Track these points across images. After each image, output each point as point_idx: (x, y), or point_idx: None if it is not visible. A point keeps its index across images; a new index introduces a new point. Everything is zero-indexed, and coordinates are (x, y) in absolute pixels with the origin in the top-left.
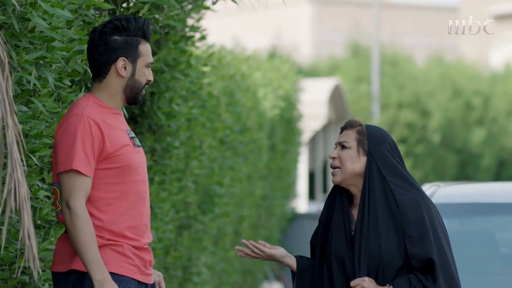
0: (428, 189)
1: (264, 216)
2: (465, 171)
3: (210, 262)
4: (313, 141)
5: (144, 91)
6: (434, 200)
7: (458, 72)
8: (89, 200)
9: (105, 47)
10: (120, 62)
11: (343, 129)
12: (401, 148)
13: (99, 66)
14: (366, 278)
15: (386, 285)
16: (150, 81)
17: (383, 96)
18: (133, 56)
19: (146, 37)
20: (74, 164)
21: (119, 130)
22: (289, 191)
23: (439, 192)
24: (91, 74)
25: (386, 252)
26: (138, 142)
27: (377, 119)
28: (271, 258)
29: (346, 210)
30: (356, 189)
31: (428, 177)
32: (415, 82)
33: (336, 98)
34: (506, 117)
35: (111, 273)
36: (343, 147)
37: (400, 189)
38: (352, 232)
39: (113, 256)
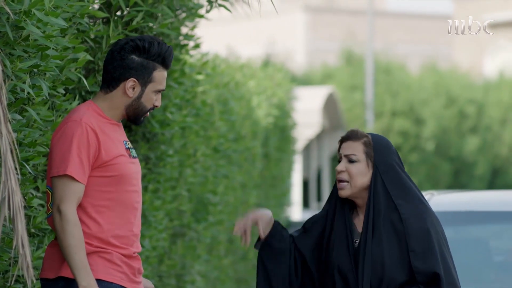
0: None
1: None
2: (459, 179)
3: (204, 270)
4: (307, 149)
5: (148, 114)
6: None
7: (452, 80)
8: (81, 207)
9: (120, 63)
10: (130, 83)
11: (345, 139)
12: None
13: (110, 79)
14: None
15: None
16: (156, 106)
17: (377, 104)
18: (144, 79)
19: (164, 64)
20: (68, 170)
21: (116, 140)
22: (283, 200)
23: (433, 200)
24: (85, 83)
25: (389, 267)
26: (134, 154)
27: (371, 127)
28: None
29: (349, 221)
30: (361, 201)
31: (422, 185)
32: (409, 90)
33: (330, 106)
34: (500, 125)
35: (100, 280)
36: (350, 160)
37: (403, 202)
38: (355, 244)
39: (102, 263)
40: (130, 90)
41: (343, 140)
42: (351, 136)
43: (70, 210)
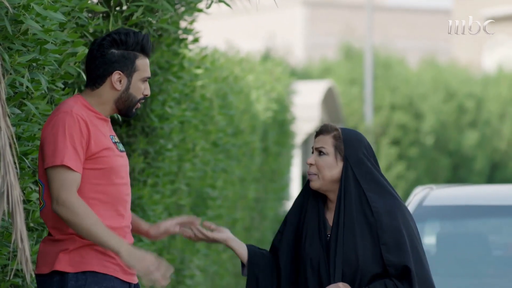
0: (421, 191)
1: (257, 218)
2: (458, 173)
3: (203, 264)
4: (306, 143)
5: (139, 104)
6: (427, 202)
7: (450, 74)
8: None
9: (101, 59)
10: (116, 76)
11: (318, 133)
12: (394, 151)
13: (95, 77)
14: (341, 284)
15: None
16: (146, 95)
17: (376, 98)
18: (129, 70)
19: (145, 52)
20: (65, 160)
21: (103, 133)
22: (282, 194)
23: (432, 195)
24: (84, 77)
25: (362, 258)
26: (121, 147)
27: (370, 121)
28: (215, 241)
29: (322, 215)
30: (333, 195)
31: (421, 180)
32: (408, 85)
33: (329, 100)
34: (499, 120)
35: (95, 272)
36: (320, 152)
37: (375, 196)
38: (328, 237)
39: (96, 256)
40: (118, 83)
41: (316, 135)
42: (322, 130)
43: (73, 196)
